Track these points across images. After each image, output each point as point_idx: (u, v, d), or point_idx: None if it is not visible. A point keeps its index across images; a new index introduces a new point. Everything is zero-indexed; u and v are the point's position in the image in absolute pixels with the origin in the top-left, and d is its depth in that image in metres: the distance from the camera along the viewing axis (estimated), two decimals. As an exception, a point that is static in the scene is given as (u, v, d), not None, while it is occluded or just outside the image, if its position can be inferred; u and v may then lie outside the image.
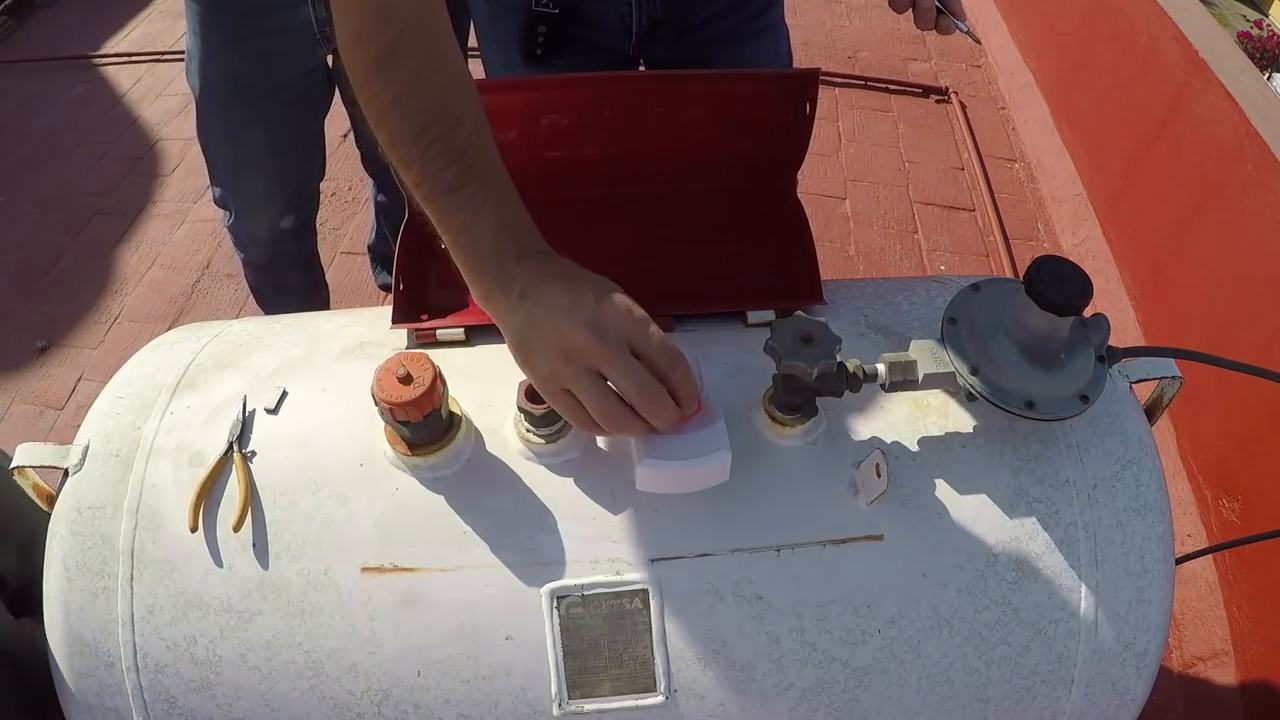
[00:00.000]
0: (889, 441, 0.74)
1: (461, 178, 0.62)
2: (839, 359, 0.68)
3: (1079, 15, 2.49)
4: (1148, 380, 0.81)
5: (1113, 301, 2.06)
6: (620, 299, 0.61)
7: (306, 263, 1.64)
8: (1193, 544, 1.58)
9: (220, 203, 1.44)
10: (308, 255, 1.61)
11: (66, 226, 2.40)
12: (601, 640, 0.69)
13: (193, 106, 1.30)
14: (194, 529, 0.70)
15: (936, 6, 0.90)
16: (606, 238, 0.92)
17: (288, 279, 1.62)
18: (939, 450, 0.74)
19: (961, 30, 0.91)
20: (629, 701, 0.70)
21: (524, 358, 0.63)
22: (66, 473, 0.75)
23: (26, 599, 1.08)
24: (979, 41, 0.97)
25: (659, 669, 0.69)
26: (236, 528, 0.70)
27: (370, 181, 1.84)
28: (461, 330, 0.83)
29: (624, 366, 0.59)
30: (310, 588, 0.70)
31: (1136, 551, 0.72)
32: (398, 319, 0.84)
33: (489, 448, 0.74)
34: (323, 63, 1.27)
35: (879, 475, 0.67)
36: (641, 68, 1.19)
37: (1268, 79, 2.95)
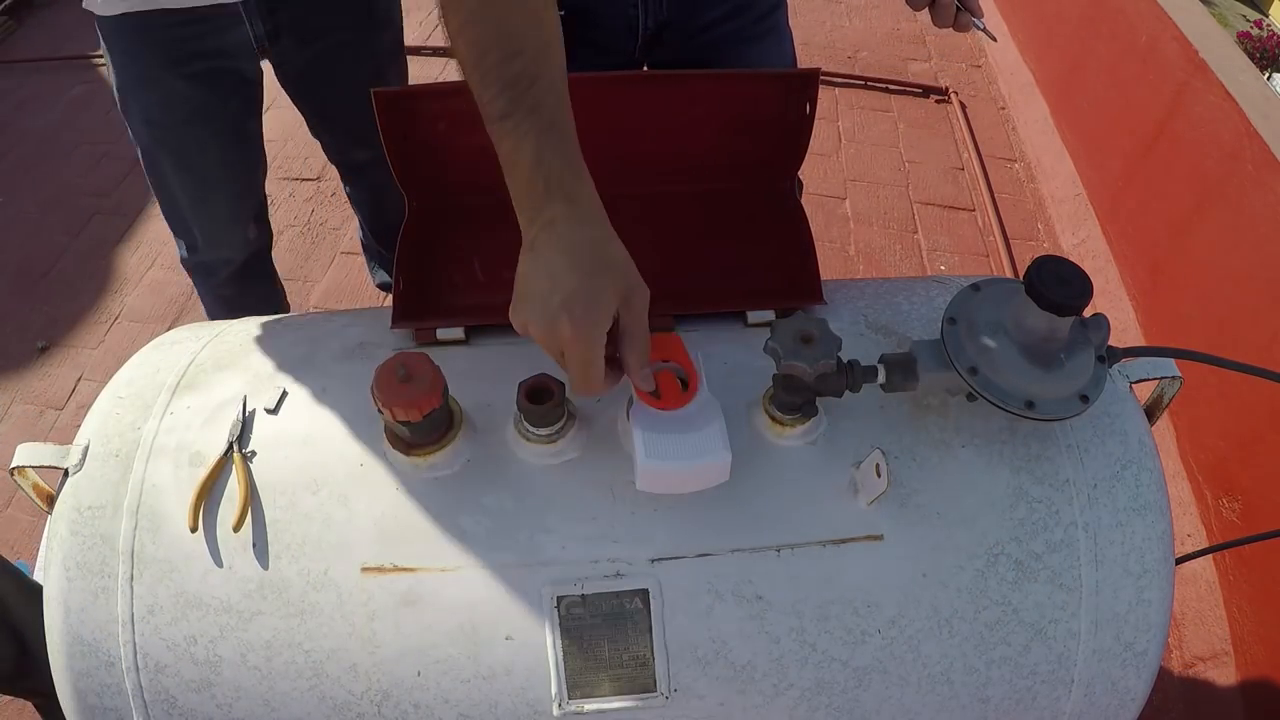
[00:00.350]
0: (889, 441, 0.74)
1: (510, 106, 0.64)
2: (839, 359, 0.68)
3: (1079, 15, 2.49)
4: (1148, 380, 0.81)
5: (1113, 301, 2.06)
6: (576, 318, 0.62)
7: (270, 269, 1.61)
8: (1193, 544, 1.57)
9: (183, 236, 1.41)
10: (268, 257, 1.57)
11: (66, 226, 2.39)
12: (601, 640, 0.69)
13: (136, 149, 1.26)
14: (194, 529, 0.70)
15: (956, 4, 0.90)
16: (606, 238, 0.92)
17: (257, 296, 1.58)
18: (939, 450, 0.74)
19: (978, 28, 0.91)
20: (629, 701, 0.70)
21: (514, 297, 0.66)
22: (66, 473, 0.75)
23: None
24: (995, 38, 0.96)
25: (659, 669, 0.69)
26: (236, 528, 0.70)
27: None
28: (461, 330, 0.83)
29: (562, 363, 0.65)
30: (310, 588, 0.70)
31: (1136, 551, 0.72)
32: (398, 319, 0.84)
33: (489, 448, 0.74)
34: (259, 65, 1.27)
35: (879, 475, 0.67)
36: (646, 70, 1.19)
37: (1268, 79, 2.95)
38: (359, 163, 1.55)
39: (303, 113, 1.45)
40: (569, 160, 0.65)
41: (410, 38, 2.99)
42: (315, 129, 1.49)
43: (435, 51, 2.93)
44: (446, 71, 2.87)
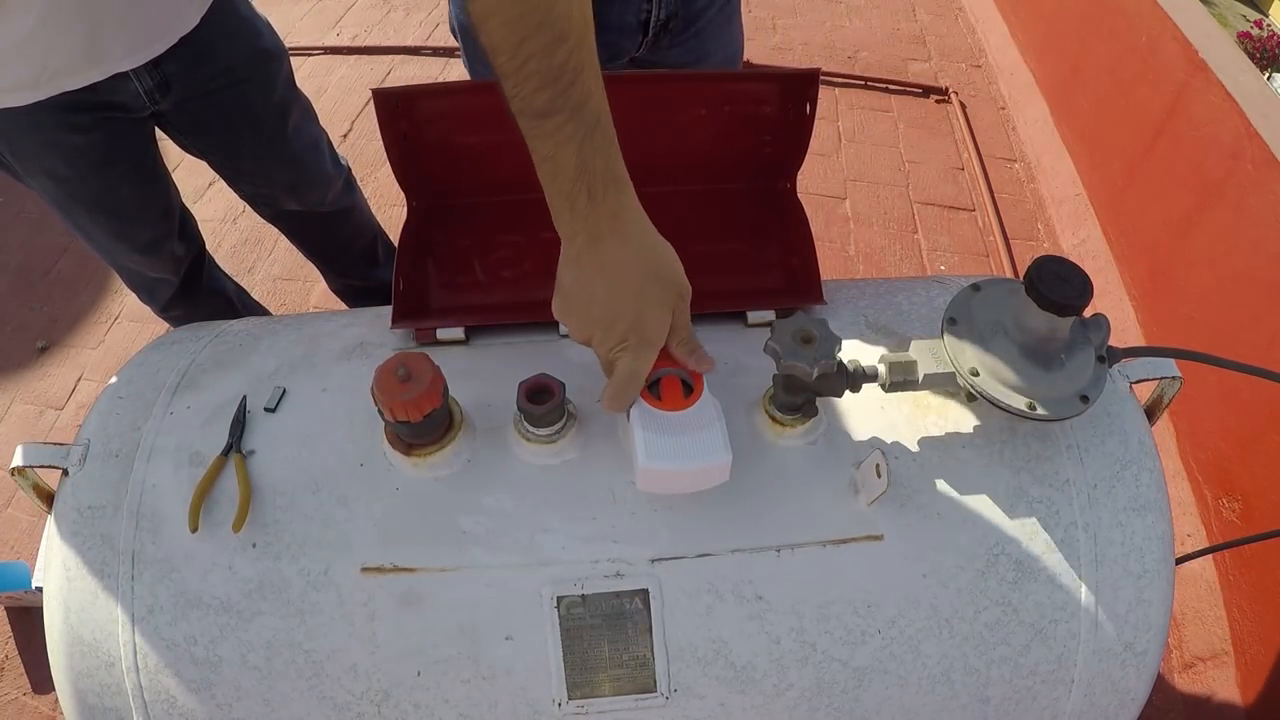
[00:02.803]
0: (889, 441, 0.74)
1: (552, 104, 0.58)
2: (839, 359, 0.68)
3: (1079, 15, 2.49)
4: (1148, 380, 0.81)
5: (1113, 301, 2.06)
6: (646, 341, 0.64)
7: (216, 281, 1.58)
8: (1193, 544, 1.57)
9: (118, 269, 1.41)
10: (206, 269, 1.54)
11: (66, 226, 2.39)
12: (601, 640, 0.69)
13: (48, 207, 1.26)
14: (194, 529, 0.70)
15: None
16: (606, 238, 0.92)
17: (209, 311, 1.54)
18: (939, 450, 0.74)
19: None
20: (629, 701, 0.70)
21: (558, 294, 0.67)
22: (66, 473, 0.75)
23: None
24: None
25: (659, 669, 0.69)
26: (236, 528, 0.70)
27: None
28: (461, 330, 0.83)
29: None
30: (310, 588, 0.70)
31: (1136, 551, 0.72)
32: (398, 319, 0.84)
33: (489, 448, 0.74)
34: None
35: (879, 475, 0.67)
36: None
37: (1268, 79, 2.94)
38: (292, 213, 1.50)
39: (219, 170, 1.40)
40: (612, 164, 0.62)
41: (410, 38, 3.01)
42: (236, 183, 1.43)
43: (435, 52, 2.93)
44: (446, 71, 2.87)
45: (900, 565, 0.71)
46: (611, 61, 1.13)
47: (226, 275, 1.63)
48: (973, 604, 0.70)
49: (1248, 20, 6.09)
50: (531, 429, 0.72)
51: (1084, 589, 0.71)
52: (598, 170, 0.61)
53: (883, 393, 0.72)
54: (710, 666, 0.70)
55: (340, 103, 2.73)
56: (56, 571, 0.72)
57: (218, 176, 1.42)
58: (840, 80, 2.83)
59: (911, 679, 0.71)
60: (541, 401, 0.70)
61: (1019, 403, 0.67)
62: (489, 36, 0.58)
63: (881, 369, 0.71)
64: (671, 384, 0.69)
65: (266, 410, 0.77)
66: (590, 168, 0.60)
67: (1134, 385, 0.80)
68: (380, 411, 0.67)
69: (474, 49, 1.13)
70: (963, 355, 0.69)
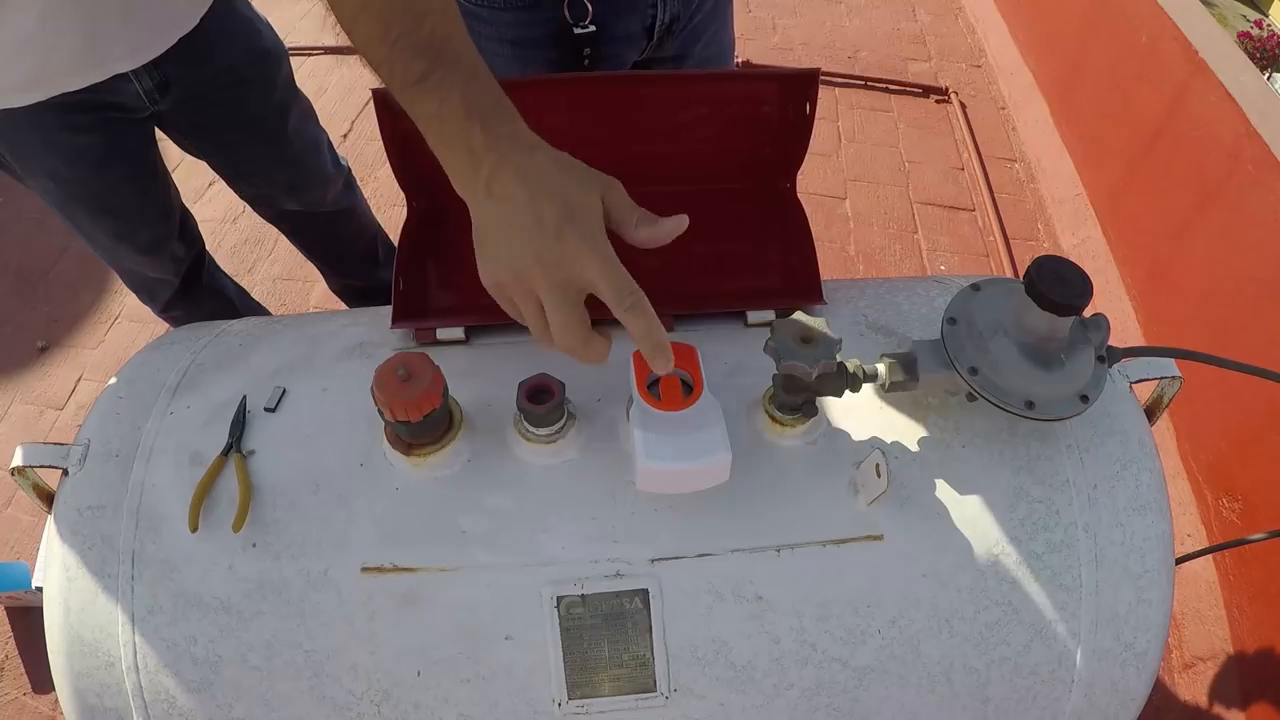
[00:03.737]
0: (889, 441, 0.74)
1: (429, 66, 0.61)
2: (839, 359, 0.68)
3: (1079, 15, 2.50)
4: (1148, 380, 0.81)
5: (1113, 301, 2.06)
6: (581, 231, 0.58)
7: (217, 281, 1.58)
8: (1193, 544, 1.58)
9: (117, 270, 1.42)
10: (206, 269, 1.54)
11: (66, 227, 2.39)
12: (601, 640, 0.69)
13: (47, 205, 1.26)
14: (194, 529, 0.70)
15: None
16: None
17: (207, 312, 1.52)
18: (939, 450, 0.74)
19: None
20: (629, 701, 0.70)
21: (480, 254, 0.63)
22: (66, 473, 0.75)
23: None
24: None
25: (659, 669, 0.69)
26: (236, 528, 0.70)
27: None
28: (461, 330, 0.83)
29: (556, 307, 0.60)
30: (310, 588, 0.70)
31: (1136, 551, 0.72)
32: (398, 319, 0.84)
33: (489, 448, 0.74)
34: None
35: (879, 475, 0.67)
36: None
37: (1268, 79, 2.95)
38: (292, 213, 1.50)
39: (219, 170, 1.40)
40: (500, 100, 0.62)
41: (410, 38, 3.01)
42: (236, 183, 1.43)
43: (435, 51, 2.93)
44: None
45: (900, 565, 0.71)
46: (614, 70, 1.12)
47: (227, 275, 1.63)
48: (973, 604, 0.70)
49: (1248, 20, 6.09)
50: (531, 429, 0.72)
51: (1084, 589, 0.71)
52: (487, 105, 0.61)
53: (883, 393, 0.72)
54: (710, 666, 0.70)
55: (340, 103, 2.73)
56: (56, 571, 0.72)
57: (218, 176, 1.42)
58: (840, 80, 2.84)
59: (911, 679, 0.71)
60: (541, 401, 0.70)
61: (1019, 403, 0.67)
62: (362, 34, 0.63)
63: (881, 369, 0.71)
64: (671, 384, 0.69)
65: (266, 410, 0.77)
66: (478, 104, 0.60)
67: (1134, 385, 0.80)
68: (380, 411, 0.67)
69: None
70: (962, 355, 0.69)
